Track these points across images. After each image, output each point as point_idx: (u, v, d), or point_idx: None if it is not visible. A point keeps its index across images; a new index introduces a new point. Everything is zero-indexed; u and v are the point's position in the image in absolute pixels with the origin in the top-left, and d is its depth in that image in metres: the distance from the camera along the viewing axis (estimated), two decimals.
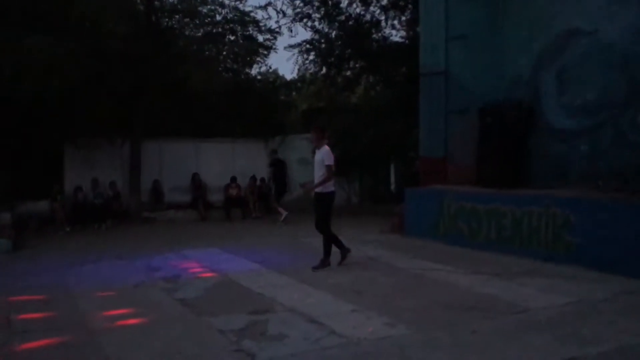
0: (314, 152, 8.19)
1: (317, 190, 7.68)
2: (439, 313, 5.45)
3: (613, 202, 7.31)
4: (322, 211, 7.72)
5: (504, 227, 8.42)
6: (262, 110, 16.67)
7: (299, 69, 16.90)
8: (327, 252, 7.70)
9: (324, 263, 7.62)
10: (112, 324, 5.35)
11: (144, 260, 8.69)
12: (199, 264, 8.24)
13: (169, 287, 6.83)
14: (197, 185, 15.22)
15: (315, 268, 7.52)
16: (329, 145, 7.88)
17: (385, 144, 14.20)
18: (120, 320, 5.45)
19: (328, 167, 7.57)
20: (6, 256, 9.48)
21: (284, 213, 13.31)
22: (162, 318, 5.53)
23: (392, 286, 6.59)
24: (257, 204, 14.98)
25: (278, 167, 14.40)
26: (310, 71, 16.95)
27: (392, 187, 16.28)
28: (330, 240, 7.73)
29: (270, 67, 18.54)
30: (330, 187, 7.69)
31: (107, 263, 8.57)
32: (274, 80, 19.00)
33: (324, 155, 7.63)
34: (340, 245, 7.77)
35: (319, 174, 7.66)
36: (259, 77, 18.16)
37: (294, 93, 18.97)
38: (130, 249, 9.75)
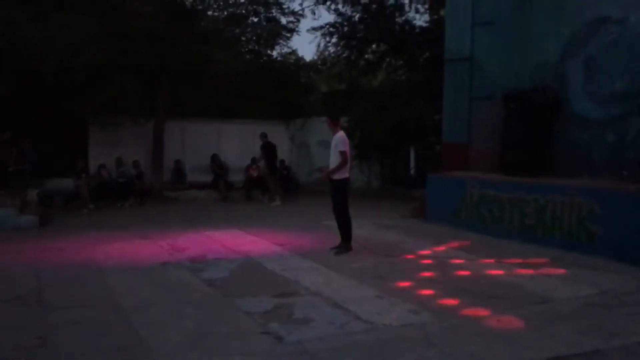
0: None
1: (332, 177, 7.72)
2: (463, 300, 5.50)
3: (638, 193, 7.26)
4: (339, 197, 7.76)
5: (527, 216, 8.41)
6: (283, 92, 16.71)
7: (321, 52, 16.88)
8: (348, 237, 7.76)
9: (346, 248, 7.70)
10: (142, 302, 5.48)
11: (168, 239, 8.84)
12: (223, 245, 8.37)
13: (195, 268, 6.96)
14: (217, 165, 15.35)
15: (337, 253, 7.60)
16: (345, 130, 7.91)
17: (406, 128, 14.17)
18: (151, 299, 5.57)
19: (342, 153, 7.60)
20: (33, 232, 9.68)
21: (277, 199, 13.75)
22: (190, 298, 5.66)
23: (415, 272, 6.64)
24: (277, 186, 15.04)
25: (268, 149, 14.41)
26: (332, 54, 16.91)
27: (412, 171, 16.26)
28: (345, 226, 7.77)
29: (291, 49, 18.39)
30: (344, 173, 7.72)
31: (133, 242, 8.73)
32: (295, 62, 18.97)
33: (339, 141, 7.66)
34: (349, 237, 7.79)
35: (334, 159, 7.69)
36: (280, 58, 18.17)
37: (311, 74, 18.91)
38: (154, 228, 9.91)
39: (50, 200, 12.60)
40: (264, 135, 14.33)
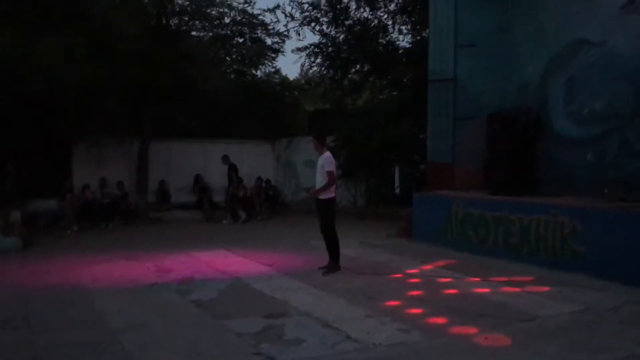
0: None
1: (318, 197, 7.76)
2: (451, 319, 5.55)
3: (619, 212, 7.40)
4: (325, 217, 7.80)
5: (512, 235, 8.53)
6: (269, 111, 16.82)
7: (305, 72, 17.05)
8: (336, 257, 7.81)
9: (335, 267, 7.73)
10: (132, 323, 5.46)
11: (155, 260, 8.80)
12: (210, 266, 8.36)
13: (183, 289, 6.94)
14: (200, 186, 15.33)
15: (325, 273, 7.63)
16: (331, 150, 8.01)
17: (391, 147, 14.32)
18: (140, 321, 5.55)
19: (330, 173, 7.66)
20: (17, 254, 9.58)
21: (243, 216, 14.08)
22: (179, 320, 5.65)
23: (403, 291, 6.70)
24: (263, 205, 15.10)
25: (234, 171, 14.67)
26: (317, 74, 17.10)
27: (397, 190, 16.39)
28: (333, 245, 7.81)
29: (276, 69, 18.53)
30: (331, 193, 7.78)
31: (119, 263, 8.68)
32: (280, 82, 19.12)
33: (325, 161, 7.72)
34: (337, 257, 7.83)
35: (320, 179, 7.74)
36: (265, 78, 18.31)
37: (296, 94, 19.08)
38: (140, 249, 9.85)
39: (34, 221, 12.48)
40: (227, 158, 14.47)
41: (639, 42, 8.50)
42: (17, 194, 12.48)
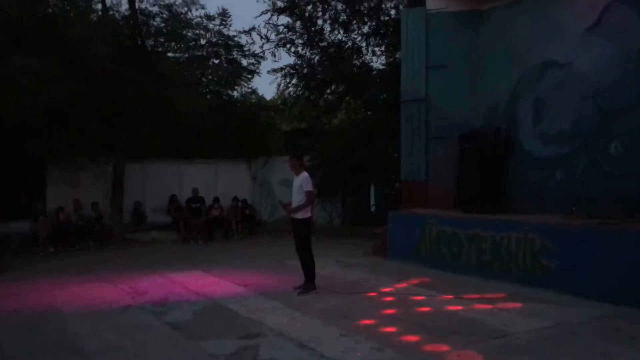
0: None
1: (295, 216, 7.80)
2: (424, 336, 5.63)
3: (586, 229, 7.60)
4: (301, 236, 7.82)
5: (484, 252, 8.68)
6: (245, 131, 16.88)
7: (281, 92, 17.19)
8: (312, 276, 7.84)
9: (310, 287, 7.77)
10: (106, 346, 5.43)
11: (129, 282, 8.75)
12: (185, 287, 8.33)
13: (158, 311, 6.91)
14: (175, 207, 15.27)
15: (301, 293, 7.66)
16: (307, 169, 8.09)
17: (366, 166, 14.49)
18: (115, 344, 5.52)
19: (308, 192, 7.71)
20: None
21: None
22: (153, 341, 5.64)
23: (378, 310, 6.76)
24: (239, 225, 15.09)
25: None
26: (293, 94, 17.26)
27: (373, 208, 16.53)
28: (309, 265, 7.82)
29: (252, 89, 18.66)
30: (307, 212, 7.82)
31: (93, 285, 8.60)
32: (256, 102, 19.23)
33: (303, 181, 7.76)
34: (312, 277, 7.85)
35: (297, 199, 7.76)
36: (241, 99, 18.40)
37: (272, 114, 19.21)
38: (115, 271, 9.78)
39: (5, 244, 12.30)
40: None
41: (603, 64, 8.79)
42: None
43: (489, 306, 6.88)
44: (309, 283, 7.80)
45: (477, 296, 7.38)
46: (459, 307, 6.85)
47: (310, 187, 7.75)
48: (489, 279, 8.35)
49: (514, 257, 8.24)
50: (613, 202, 8.32)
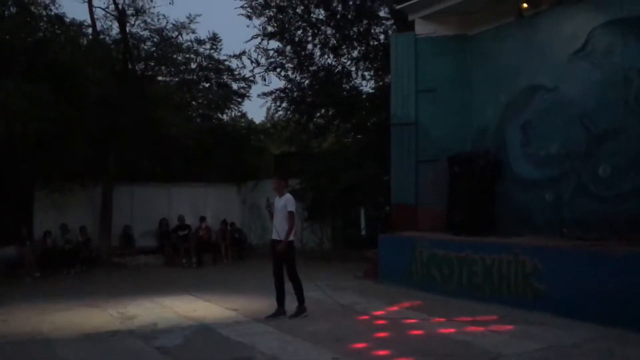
0: None
1: (277, 238, 7.65)
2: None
3: (576, 251, 7.64)
4: (288, 260, 7.69)
5: (475, 275, 8.68)
6: (235, 155, 16.90)
7: (271, 116, 17.28)
8: (301, 299, 7.73)
9: (300, 310, 7.69)
10: None
11: (118, 307, 8.64)
12: (175, 312, 8.24)
13: (147, 335, 6.82)
14: (164, 230, 15.17)
15: (292, 316, 7.58)
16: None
17: (356, 190, 14.50)
18: None
19: (291, 213, 7.64)
20: None
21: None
22: None
23: (370, 333, 6.72)
24: (229, 249, 15.00)
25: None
26: (283, 118, 17.35)
27: (363, 232, 16.51)
28: (295, 286, 7.68)
29: (242, 113, 18.79)
30: (291, 236, 7.72)
31: (81, 310, 8.48)
32: (246, 126, 19.30)
33: (287, 202, 7.72)
34: (283, 302, 7.72)
35: (280, 220, 7.68)
36: (231, 122, 18.47)
37: (262, 137, 19.28)
38: (103, 296, 9.65)
39: None
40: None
41: (589, 87, 8.92)
42: None
43: (481, 328, 6.86)
44: (300, 306, 7.70)
45: (469, 319, 7.35)
46: (452, 330, 6.83)
47: (293, 208, 7.70)
48: (481, 301, 8.34)
49: (505, 279, 8.25)
50: (602, 224, 8.38)
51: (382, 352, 5.88)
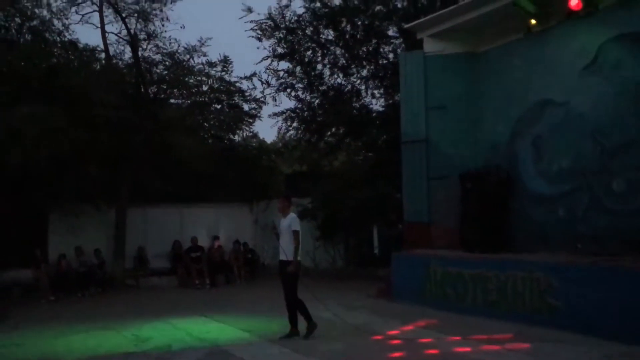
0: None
1: (285, 259, 7.62)
2: None
3: (592, 267, 7.56)
4: (291, 280, 7.62)
5: (490, 292, 8.61)
6: (246, 175, 16.98)
7: (282, 136, 17.37)
8: (308, 317, 7.63)
9: (311, 328, 7.58)
10: None
11: (132, 329, 8.65)
12: (189, 333, 8.23)
13: (161, 358, 6.84)
14: (177, 252, 15.18)
15: (305, 337, 7.51)
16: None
17: (368, 208, 14.48)
18: None
19: (295, 232, 7.62)
20: None
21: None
22: None
23: (385, 353, 6.68)
24: (241, 269, 15.00)
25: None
26: (294, 137, 17.43)
27: (376, 250, 16.44)
28: (298, 307, 7.61)
29: (253, 133, 18.93)
30: (298, 256, 7.64)
31: (96, 333, 8.50)
32: (257, 146, 19.41)
33: (292, 221, 7.72)
34: (296, 322, 7.66)
35: (286, 240, 7.65)
36: (243, 143, 18.59)
37: (273, 157, 19.37)
38: (117, 318, 9.67)
39: (7, 293, 12.21)
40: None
41: (600, 102, 8.91)
42: None
43: (497, 347, 6.80)
44: (309, 324, 7.60)
45: (485, 337, 7.28)
46: (467, 349, 6.77)
47: (297, 227, 7.69)
48: (496, 319, 8.26)
49: (519, 297, 8.18)
50: (617, 239, 8.30)
51: None
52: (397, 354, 6.62)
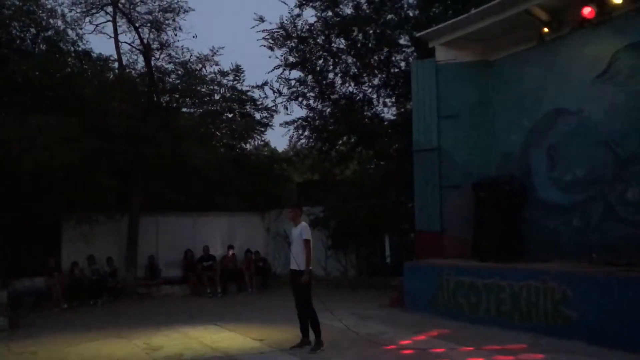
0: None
1: (296, 268, 7.53)
2: None
3: (607, 276, 7.45)
4: (304, 290, 7.53)
5: (503, 302, 8.52)
6: (258, 183, 17.03)
7: (294, 144, 17.39)
8: (318, 333, 7.51)
9: (318, 345, 7.43)
10: None
11: (144, 337, 8.65)
12: (200, 342, 8.23)
13: None
14: (189, 261, 15.20)
15: (311, 352, 7.33)
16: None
17: (380, 217, 14.44)
18: None
19: (307, 241, 7.55)
20: (3, 335, 9.38)
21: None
22: None
23: None
24: (253, 278, 14.99)
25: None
26: (305, 146, 17.45)
27: (388, 259, 16.38)
28: (311, 319, 7.51)
29: (265, 142, 19.01)
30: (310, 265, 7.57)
31: (107, 341, 8.52)
32: (269, 155, 19.46)
33: (303, 230, 7.65)
34: (307, 332, 7.57)
35: (297, 249, 7.58)
36: (254, 151, 18.66)
37: (285, 166, 19.41)
38: (129, 326, 9.70)
39: (20, 301, 12.28)
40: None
41: (613, 110, 8.84)
42: (3, 272, 12.33)
43: (510, 357, 6.72)
44: (317, 339, 7.47)
45: (498, 347, 7.21)
46: (481, 359, 6.69)
47: (308, 236, 7.62)
48: (509, 329, 8.17)
49: (533, 307, 8.08)
50: (633, 249, 8.20)
51: None
52: None
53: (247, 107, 16.63)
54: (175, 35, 15.52)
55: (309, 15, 21.77)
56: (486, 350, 7.11)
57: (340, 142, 17.22)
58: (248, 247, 15.72)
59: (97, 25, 15.13)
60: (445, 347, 7.40)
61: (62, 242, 14.41)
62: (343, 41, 15.77)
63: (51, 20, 13.79)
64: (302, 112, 16.78)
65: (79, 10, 14.49)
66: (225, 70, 16.09)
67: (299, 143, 18.04)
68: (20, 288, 12.76)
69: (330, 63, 16.05)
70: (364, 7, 15.21)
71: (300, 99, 16.45)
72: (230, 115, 16.67)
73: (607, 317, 7.11)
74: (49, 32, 13.59)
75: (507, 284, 8.50)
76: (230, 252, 15.18)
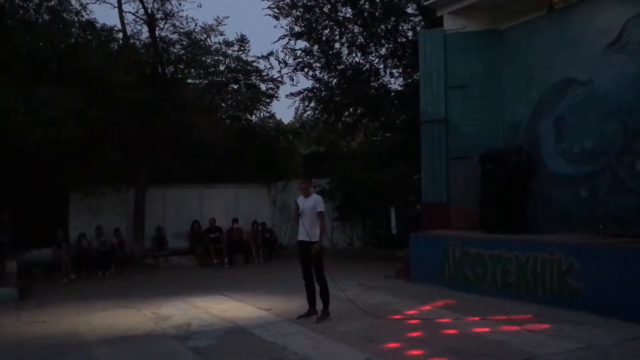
0: None
1: (306, 239, 7.48)
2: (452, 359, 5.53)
3: (614, 248, 7.45)
4: (318, 262, 7.52)
5: (509, 273, 8.53)
6: (264, 155, 17.00)
7: (300, 116, 17.29)
8: (326, 303, 7.57)
9: (325, 314, 7.51)
10: None
11: (152, 308, 8.75)
12: (208, 312, 8.31)
13: (180, 336, 6.90)
14: (196, 233, 15.28)
15: (317, 321, 7.40)
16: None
17: (386, 189, 14.43)
18: None
19: (321, 213, 7.52)
20: (13, 305, 9.51)
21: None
22: None
23: (403, 333, 6.66)
24: (259, 249, 15.08)
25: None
26: (311, 118, 17.36)
27: (394, 231, 16.42)
28: (322, 288, 7.52)
29: (271, 114, 18.88)
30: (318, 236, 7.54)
31: (116, 311, 8.62)
32: (274, 127, 19.38)
33: (316, 202, 7.58)
34: (314, 302, 7.62)
35: (309, 221, 7.51)
36: (260, 123, 18.57)
37: (291, 137, 19.33)
38: (137, 297, 9.81)
39: (29, 271, 12.42)
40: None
41: (624, 80, 8.71)
42: (12, 244, 12.45)
43: (516, 328, 6.75)
44: (324, 309, 7.55)
45: (504, 317, 7.24)
46: (486, 329, 6.73)
47: (323, 208, 7.59)
48: (515, 300, 8.20)
49: (539, 278, 8.09)
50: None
51: (415, 352, 5.83)
52: (415, 334, 6.60)
53: (253, 78, 16.49)
54: (180, 4, 15.37)
55: None
56: (492, 320, 7.15)
57: (346, 113, 17.12)
58: (255, 219, 15.76)
59: None
60: (451, 317, 7.44)
61: (70, 214, 14.51)
62: (349, 10, 15.55)
63: None
64: (308, 83, 16.67)
65: None
66: (230, 40, 15.93)
67: (304, 115, 17.95)
68: (29, 259, 12.92)
69: (337, 33, 15.86)
70: None
71: (306, 69, 16.31)
72: (235, 87, 16.54)
73: (614, 289, 7.11)
74: (52, 2, 13.44)
75: (514, 255, 8.50)
76: (235, 226, 15.24)
